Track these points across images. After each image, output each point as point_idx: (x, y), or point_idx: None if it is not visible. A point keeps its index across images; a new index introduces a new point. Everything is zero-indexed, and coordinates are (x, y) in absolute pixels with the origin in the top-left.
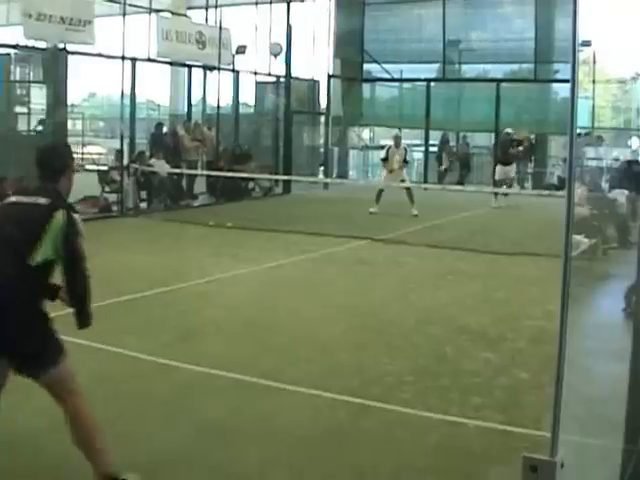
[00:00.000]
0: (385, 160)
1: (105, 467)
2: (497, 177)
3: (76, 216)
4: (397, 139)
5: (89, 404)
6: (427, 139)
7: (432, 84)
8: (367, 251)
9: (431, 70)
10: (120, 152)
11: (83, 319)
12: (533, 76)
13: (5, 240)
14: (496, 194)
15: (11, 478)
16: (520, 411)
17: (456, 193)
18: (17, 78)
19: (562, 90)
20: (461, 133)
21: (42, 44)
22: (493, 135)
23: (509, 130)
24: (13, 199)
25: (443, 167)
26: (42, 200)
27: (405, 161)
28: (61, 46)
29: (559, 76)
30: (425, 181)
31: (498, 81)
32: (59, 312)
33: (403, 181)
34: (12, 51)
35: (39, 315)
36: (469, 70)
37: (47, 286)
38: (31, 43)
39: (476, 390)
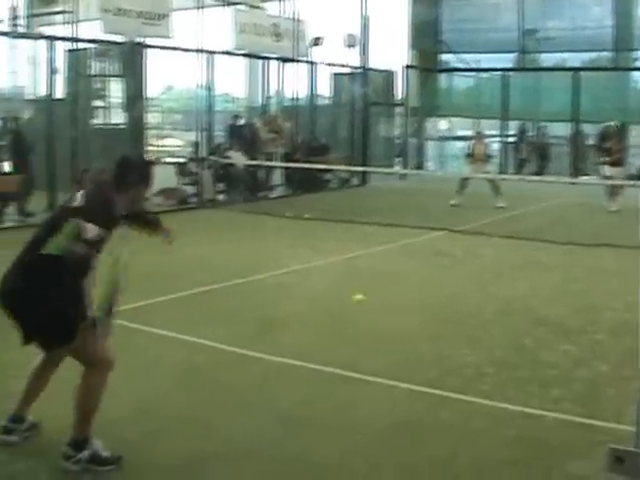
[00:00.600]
0: (469, 156)
1: (81, 432)
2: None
3: (86, 225)
4: (478, 135)
5: (172, 392)
6: (505, 129)
7: (509, 74)
8: (444, 242)
9: (508, 59)
10: (197, 144)
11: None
12: (612, 64)
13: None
14: (613, 195)
15: None
16: (600, 404)
17: (534, 184)
18: (95, 72)
19: None
20: (539, 123)
21: (120, 38)
22: (571, 125)
23: (611, 123)
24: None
25: (521, 157)
26: (75, 203)
27: (488, 155)
28: (138, 40)
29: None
30: (503, 172)
31: (576, 70)
32: (145, 301)
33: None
34: (91, 46)
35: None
36: (547, 59)
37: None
38: (109, 38)
39: (555, 382)
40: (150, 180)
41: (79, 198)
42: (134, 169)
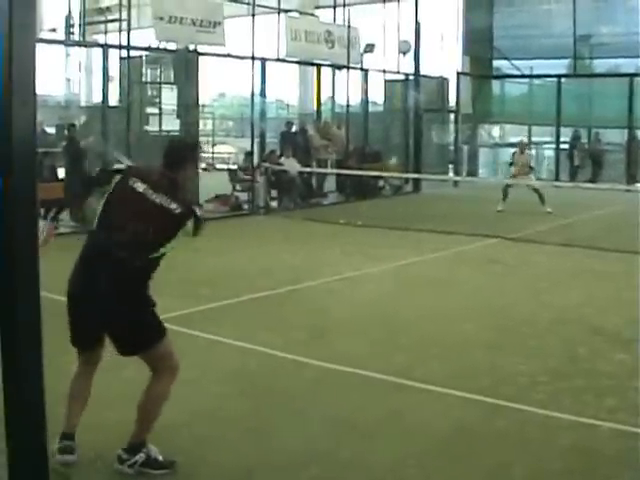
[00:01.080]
0: (511, 165)
1: (139, 437)
2: None
3: (199, 213)
4: (521, 145)
5: (225, 398)
6: (558, 136)
7: (563, 80)
8: (498, 250)
9: (561, 66)
10: (250, 151)
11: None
12: None
13: (131, 234)
14: None
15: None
16: None
17: (588, 191)
18: (148, 79)
19: None
20: (593, 130)
21: (172, 46)
22: (626, 132)
23: None
24: (140, 189)
25: (575, 165)
26: (173, 206)
27: (530, 167)
28: (191, 47)
29: None
30: (556, 179)
31: (631, 76)
32: (197, 307)
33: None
34: (143, 53)
35: (138, 301)
36: (600, 65)
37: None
38: (161, 45)
39: (610, 392)
40: (194, 158)
41: (166, 199)
42: (180, 150)
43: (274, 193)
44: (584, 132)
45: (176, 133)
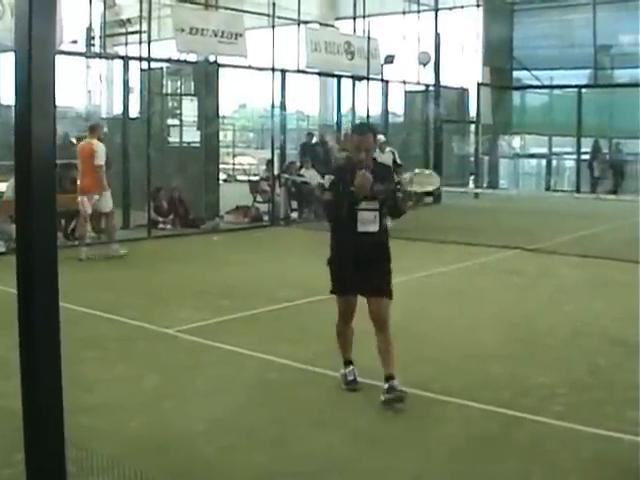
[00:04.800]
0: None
1: (387, 369)
2: None
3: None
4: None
5: (246, 408)
6: (579, 147)
7: (583, 90)
8: (518, 261)
9: (582, 76)
10: (271, 162)
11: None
12: None
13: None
14: None
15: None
16: None
17: (609, 202)
18: (169, 91)
19: None
20: (614, 140)
21: (193, 57)
22: None
23: None
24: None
25: (595, 176)
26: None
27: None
28: (212, 59)
29: None
30: (577, 190)
31: None
32: (220, 318)
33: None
34: (164, 65)
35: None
36: (621, 75)
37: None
38: (182, 57)
39: (631, 404)
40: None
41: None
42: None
43: (294, 204)
44: (605, 143)
45: (197, 145)
